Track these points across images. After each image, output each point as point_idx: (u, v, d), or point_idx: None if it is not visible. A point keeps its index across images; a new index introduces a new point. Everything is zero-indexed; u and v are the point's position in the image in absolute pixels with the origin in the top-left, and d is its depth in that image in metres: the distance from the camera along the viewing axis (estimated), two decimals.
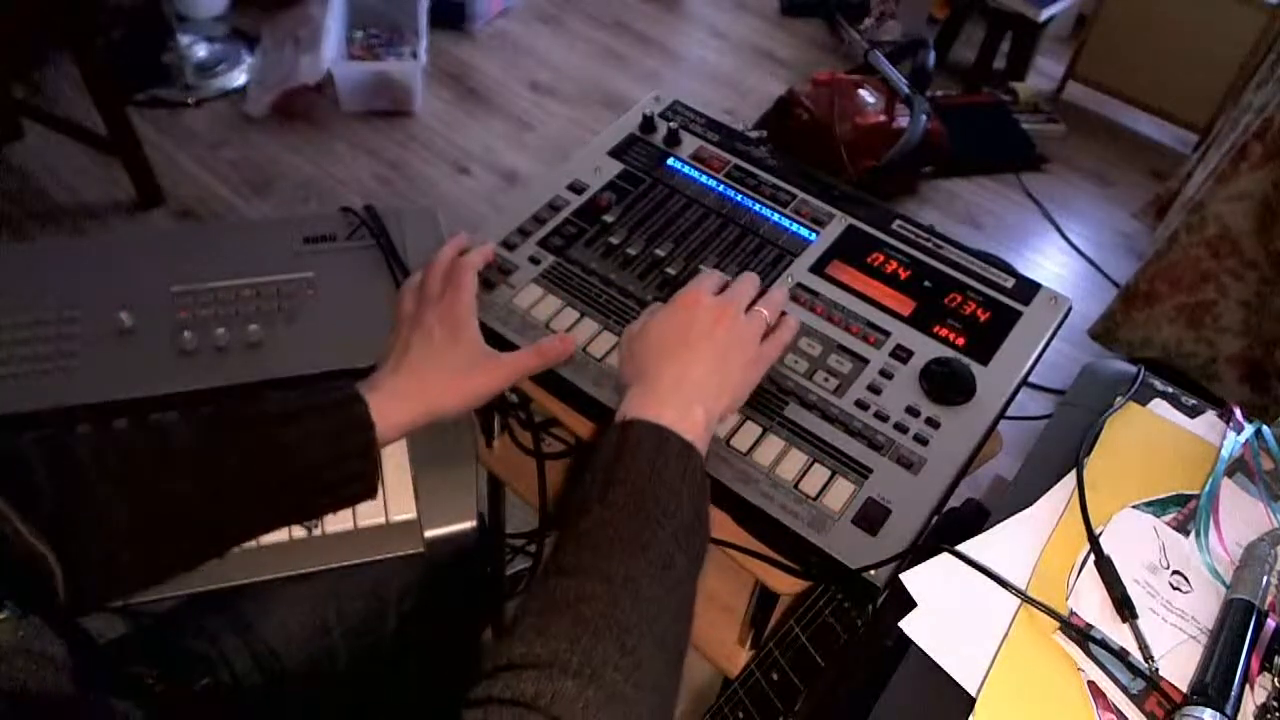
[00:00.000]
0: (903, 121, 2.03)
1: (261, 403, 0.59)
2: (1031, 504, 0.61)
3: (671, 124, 0.89)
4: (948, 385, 0.70)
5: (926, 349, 0.73)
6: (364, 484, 0.61)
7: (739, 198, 0.84)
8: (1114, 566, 0.56)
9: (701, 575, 0.55)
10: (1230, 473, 0.63)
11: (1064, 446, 0.64)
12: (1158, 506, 0.61)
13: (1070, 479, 0.62)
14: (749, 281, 0.70)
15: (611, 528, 0.51)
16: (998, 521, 0.60)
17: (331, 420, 0.59)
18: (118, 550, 0.54)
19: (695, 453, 0.56)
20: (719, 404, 0.61)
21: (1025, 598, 0.55)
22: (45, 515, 0.51)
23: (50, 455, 0.54)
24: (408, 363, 0.64)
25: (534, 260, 0.79)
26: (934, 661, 0.53)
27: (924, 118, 2.01)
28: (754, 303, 0.68)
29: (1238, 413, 0.67)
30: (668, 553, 0.51)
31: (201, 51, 2.26)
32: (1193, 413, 0.67)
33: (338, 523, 0.68)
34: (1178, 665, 0.53)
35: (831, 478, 0.65)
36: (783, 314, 0.71)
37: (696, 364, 0.61)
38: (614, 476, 0.53)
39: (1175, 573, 0.57)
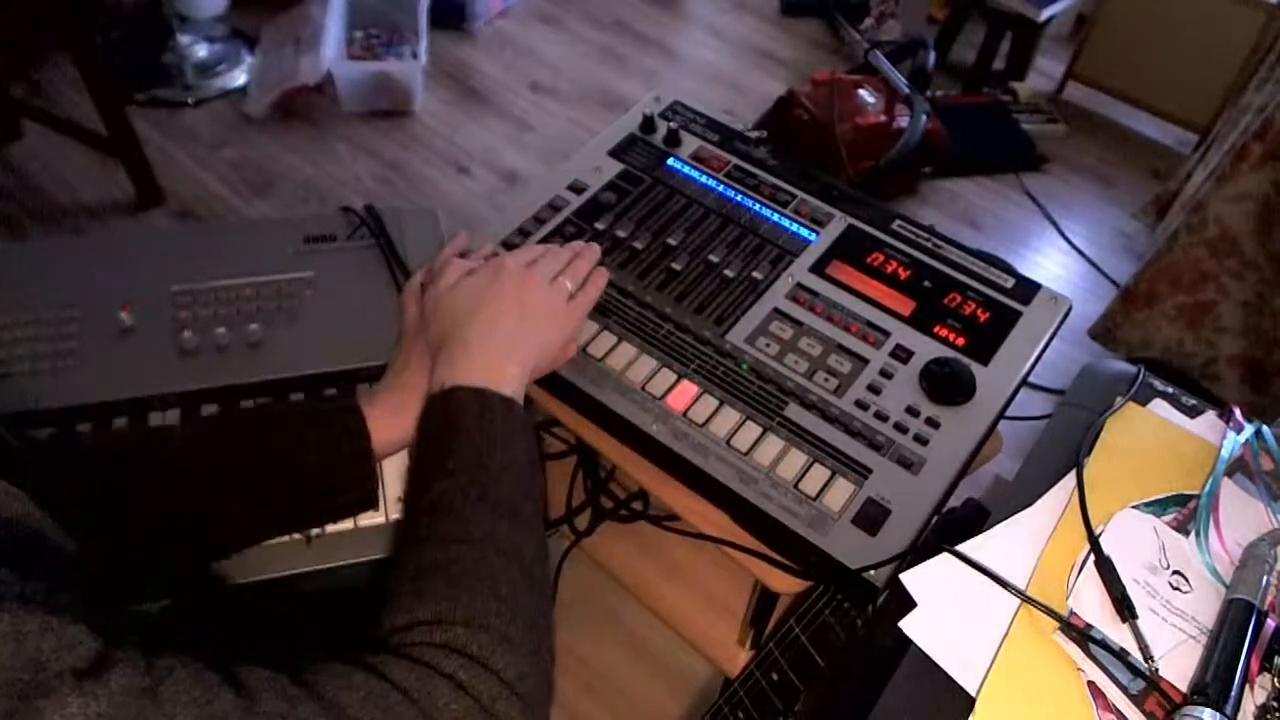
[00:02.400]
0: (903, 121, 2.03)
1: (261, 409, 0.59)
2: (1031, 504, 0.61)
3: (671, 124, 0.89)
4: (948, 385, 0.69)
5: (926, 349, 0.73)
6: (360, 493, 0.61)
7: (739, 198, 0.84)
8: (1114, 566, 0.56)
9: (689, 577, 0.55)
10: (1230, 473, 0.62)
11: (1064, 446, 0.64)
12: (1158, 506, 0.61)
13: (1070, 479, 0.62)
14: (555, 255, 0.72)
15: (458, 493, 0.53)
16: (998, 521, 0.60)
17: (326, 429, 0.59)
18: (117, 556, 0.54)
19: (515, 405, 0.59)
20: (530, 359, 0.64)
21: (1025, 598, 0.55)
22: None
23: (47, 459, 0.54)
24: (407, 379, 0.64)
25: None
26: (934, 661, 0.53)
27: (924, 118, 2.01)
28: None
29: (1238, 413, 0.67)
30: (514, 501, 0.54)
31: (201, 51, 2.25)
32: (1193, 413, 0.67)
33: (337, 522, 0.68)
34: (1178, 665, 0.53)
35: (831, 478, 0.65)
36: (597, 271, 0.73)
37: (502, 323, 0.64)
38: (448, 447, 0.55)
39: (1175, 573, 0.57)
